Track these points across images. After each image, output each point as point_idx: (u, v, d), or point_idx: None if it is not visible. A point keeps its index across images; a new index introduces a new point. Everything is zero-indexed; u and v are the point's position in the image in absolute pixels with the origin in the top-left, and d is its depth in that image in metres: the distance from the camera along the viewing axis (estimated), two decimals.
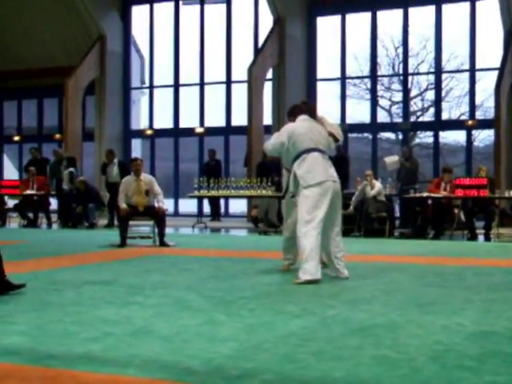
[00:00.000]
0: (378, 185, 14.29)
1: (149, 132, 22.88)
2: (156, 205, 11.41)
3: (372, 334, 4.35)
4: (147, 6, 22.91)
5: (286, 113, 7.62)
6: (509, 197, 13.53)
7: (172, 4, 22.60)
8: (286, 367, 3.53)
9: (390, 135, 23.16)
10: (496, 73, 17.67)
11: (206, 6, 22.22)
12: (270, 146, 7.26)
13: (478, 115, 20.04)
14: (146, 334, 4.37)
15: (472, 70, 19.59)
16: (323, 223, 6.78)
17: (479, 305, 5.43)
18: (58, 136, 23.34)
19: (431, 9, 19.77)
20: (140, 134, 23.36)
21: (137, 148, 23.42)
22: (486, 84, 19.30)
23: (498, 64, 17.92)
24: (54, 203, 17.63)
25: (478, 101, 20.05)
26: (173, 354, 3.81)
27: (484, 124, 19.59)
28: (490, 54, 19.20)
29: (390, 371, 3.45)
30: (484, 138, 21.59)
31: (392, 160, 15.91)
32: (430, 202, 14.09)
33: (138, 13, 23.21)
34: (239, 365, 3.58)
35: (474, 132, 20.33)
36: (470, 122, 19.55)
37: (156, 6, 22.91)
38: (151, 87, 23.14)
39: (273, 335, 4.30)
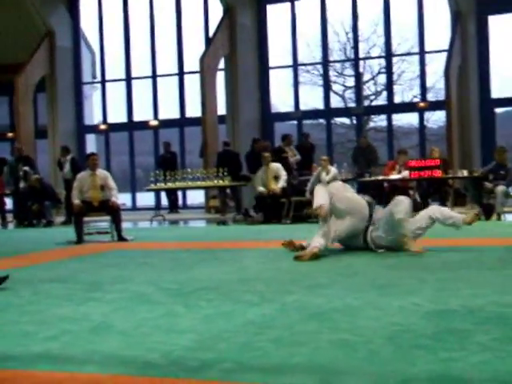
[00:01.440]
0: (333, 170, 14.39)
1: (103, 127, 22.70)
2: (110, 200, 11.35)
3: (330, 318, 4.39)
4: None
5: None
6: (462, 176, 13.72)
7: None
8: (245, 356, 3.55)
9: (345, 120, 23.32)
10: (445, 55, 17.89)
11: None
12: None
13: (430, 97, 20.29)
14: (105, 329, 4.35)
15: (422, 53, 19.82)
16: None
17: (435, 284, 5.51)
18: (10, 135, 23.02)
19: None
20: (94, 129, 23.16)
21: (91, 143, 23.21)
22: (436, 66, 19.54)
23: (446, 46, 18.15)
24: (9, 203, 17.39)
25: (429, 83, 20.31)
26: (132, 349, 3.80)
27: (436, 106, 19.85)
28: (439, 36, 19.43)
29: (348, 354, 3.49)
30: (436, 119, 21.88)
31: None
32: (385, 184, 14.24)
33: (86, 6, 22.95)
34: (199, 356, 3.59)
35: (426, 114, 20.57)
36: (421, 104, 19.79)
37: None
38: (103, 81, 22.95)
39: (232, 325, 4.32)
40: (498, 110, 19.48)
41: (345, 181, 15.02)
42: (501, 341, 3.63)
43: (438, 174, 13.19)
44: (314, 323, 4.25)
